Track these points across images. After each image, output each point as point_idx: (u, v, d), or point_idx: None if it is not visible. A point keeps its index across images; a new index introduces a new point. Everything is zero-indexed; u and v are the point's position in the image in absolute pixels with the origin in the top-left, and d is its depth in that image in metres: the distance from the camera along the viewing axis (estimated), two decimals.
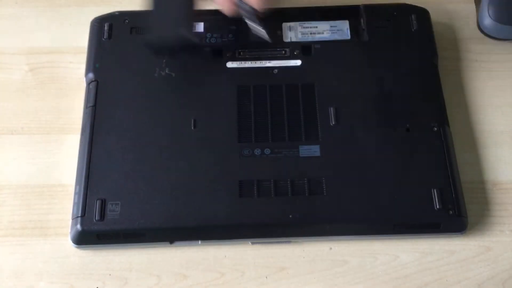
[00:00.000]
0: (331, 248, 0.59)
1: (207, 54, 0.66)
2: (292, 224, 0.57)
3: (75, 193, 0.58)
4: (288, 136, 0.61)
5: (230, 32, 0.68)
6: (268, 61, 0.65)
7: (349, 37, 0.68)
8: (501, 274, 0.58)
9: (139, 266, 0.58)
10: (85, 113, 0.63)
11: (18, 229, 0.60)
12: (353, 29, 0.69)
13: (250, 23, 0.63)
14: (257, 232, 0.58)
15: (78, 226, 0.57)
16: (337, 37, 0.69)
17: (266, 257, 0.59)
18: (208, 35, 0.68)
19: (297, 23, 0.69)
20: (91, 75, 0.64)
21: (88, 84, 0.65)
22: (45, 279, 0.57)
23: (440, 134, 0.61)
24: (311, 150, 0.60)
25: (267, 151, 0.60)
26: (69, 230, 0.58)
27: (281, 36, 0.68)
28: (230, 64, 0.65)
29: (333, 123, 0.61)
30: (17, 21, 0.74)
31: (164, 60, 0.65)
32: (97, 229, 0.57)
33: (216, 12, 0.70)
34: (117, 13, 0.68)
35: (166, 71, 0.64)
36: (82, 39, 0.69)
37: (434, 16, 0.70)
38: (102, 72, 0.64)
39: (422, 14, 0.69)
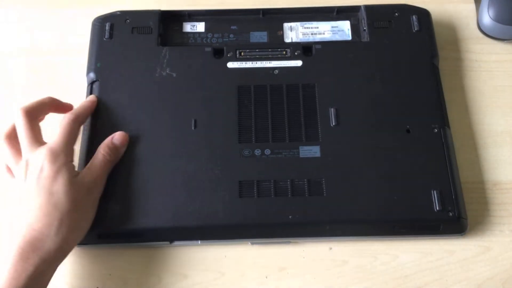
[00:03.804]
0: (331, 248, 0.59)
1: (208, 54, 0.66)
2: (292, 224, 0.57)
3: None
4: (288, 136, 0.61)
5: (231, 32, 0.69)
6: (269, 62, 0.65)
7: (350, 38, 0.69)
8: (501, 274, 0.58)
9: (139, 266, 0.58)
10: None
11: None
12: (354, 29, 0.69)
13: None
14: (257, 232, 0.58)
15: None
16: (338, 37, 0.69)
17: (266, 257, 0.59)
18: (209, 35, 0.69)
19: (298, 23, 0.69)
20: (92, 74, 0.64)
21: (89, 84, 0.65)
22: None
23: (440, 135, 0.61)
24: (311, 150, 0.60)
25: (267, 151, 0.60)
26: None
27: (282, 36, 0.69)
28: (230, 64, 0.65)
29: (334, 124, 0.61)
30: (17, 21, 0.74)
31: (165, 60, 0.65)
32: (97, 228, 0.57)
33: (217, 12, 0.70)
34: (118, 13, 0.68)
35: (167, 71, 0.64)
36: (83, 39, 0.69)
37: (434, 16, 0.70)
38: (103, 71, 0.65)
39: (423, 14, 0.69)
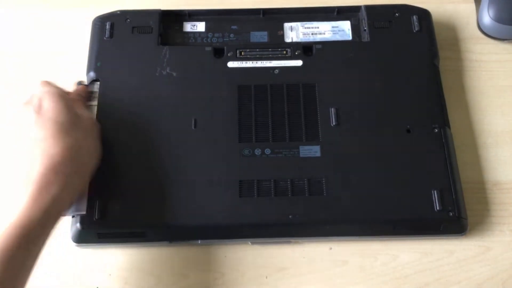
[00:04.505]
0: (331, 248, 0.59)
1: (208, 53, 0.66)
2: (292, 224, 0.57)
3: None
4: (288, 136, 0.61)
5: (231, 32, 0.69)
6: (269, 61, 0.65)
7: (350, 38, 0.69)
8: (501, 274, 0.58)
9: (139, 265, 0.58)
10: None
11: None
12: (355, 29, 0.69)
13: None
14: (257, 232, 0.58)
15: (78, 225, 0.57)
16: (338, 37, 0.69)
17: (266, 257, 0.59)
18: (210, 34, 0.69)
19: (299, 23, 0.69)
20: (92, 74, 0.65)
21: (90, 82, 0.65)
22: (45, 278, 0.58)
23: (440, 135, 0.61)
24: (311, 150, 0.60)
25: (268, 151, 0.60)
26: (69, 229, 0.58)
27: (282, 36, 0.69)
28: (231, 64, 0.65)
29: (334, 123, 0.61)
30: (17, 21, 0.74)
31: (165, 60, 0.65)
32: (97, 228, 0.57)
33: (217, 12, 0.70)
34: (118, 12, 0.68)
35: (167, 71, 0.64)
36: (84, 38, 0.69)
37: (434, 16, 0.70)
38: (104, 71, 0.65)
39: (424, 15, 0.69)
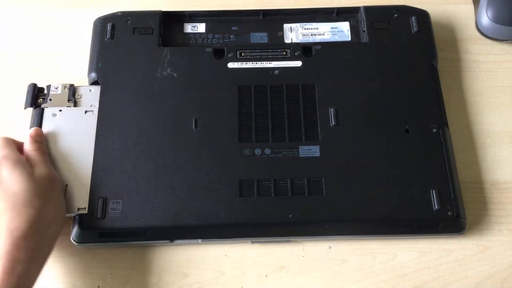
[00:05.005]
0: (330, 247, 0.60)
1: (209, 54, 0.66)
2: (292, 223, 0.57)
3: None
4: (288, 136, 0.61)
5: (231, 33, 0.69)
6: (269, 62, 0.66)
7: (349, 39, 0.69)
8: (499, 273, 0.58)
9: (140, 264, 0.59)
10: None
11: None
12: (354, 30, 0.69)
13: None
14: (257, 231, 0.59)
15: (79, 225, 0.57)
16: (337, 38, 0.69)
17: (266, 256, 0.59)
18: (210, 35, 0.69)
19: (298, 24, 0.70)
20: (93, 74, 0.65)
21: (91, 83, 0.65)
22: (46, 277, 0.58)
23: (439, 135, 0.61)
24: (311, 150, 0.60)
25: (267, 151, 0.60)
26: (71, 228, 0.58)
27: (282, 37, 0.69)
28: (231, 65, 0.65)
29: (333, 123, 0.62)
30: (18, 21, 0.74)
31: (166, 60, 0.65)
32: (98, 227, 0.57)
33: (218, 13, 0.70)
34: (119, 13, 0.69)
35: (168, 71, 0.65)
36: (84, 38, 0.69)
37: (433, 17, 0.70)
38: (105, 72, 0.65)
39: (422, 16, 0.69)
